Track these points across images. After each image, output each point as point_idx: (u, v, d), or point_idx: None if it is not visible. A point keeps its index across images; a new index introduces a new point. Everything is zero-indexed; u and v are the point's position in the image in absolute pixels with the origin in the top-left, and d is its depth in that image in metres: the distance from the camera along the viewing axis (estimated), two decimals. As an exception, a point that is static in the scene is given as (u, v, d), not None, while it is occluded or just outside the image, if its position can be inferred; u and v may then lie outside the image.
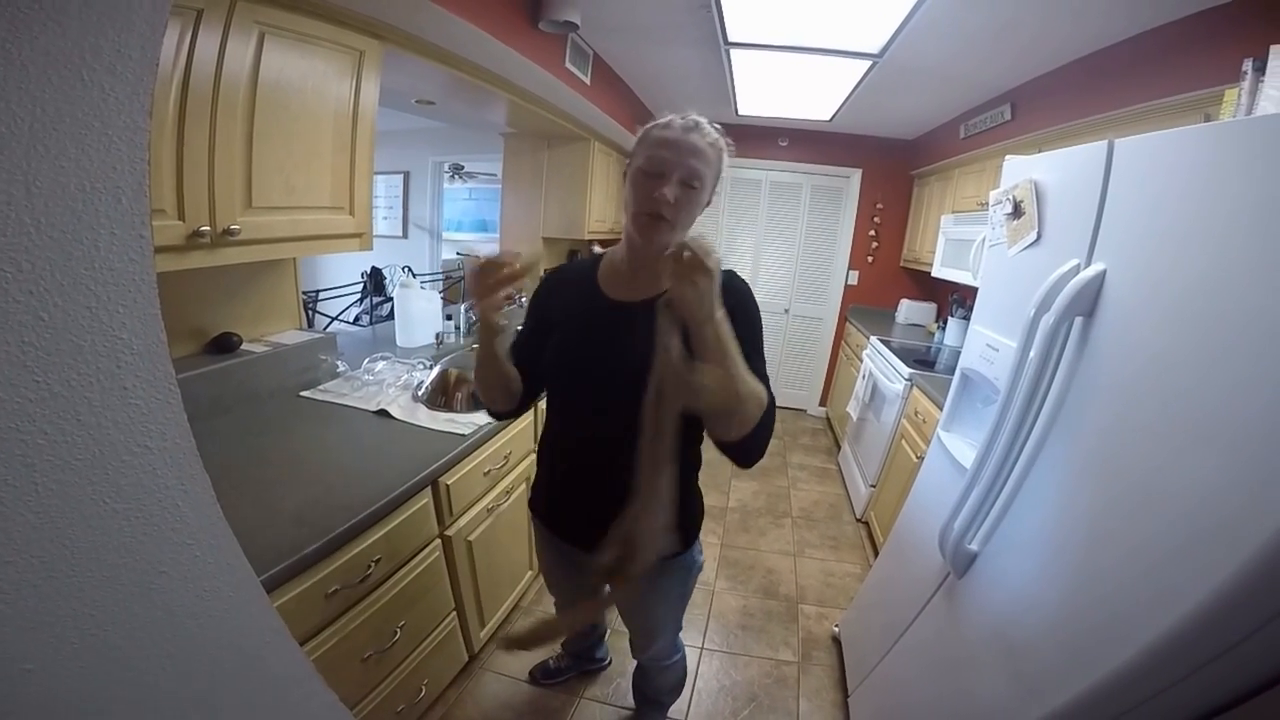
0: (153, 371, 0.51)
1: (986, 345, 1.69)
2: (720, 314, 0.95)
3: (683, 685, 1.86)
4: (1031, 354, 1.27)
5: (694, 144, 1.10)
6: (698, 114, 1.14)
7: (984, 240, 1.81)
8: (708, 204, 1.17)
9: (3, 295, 0.41)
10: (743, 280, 1.19)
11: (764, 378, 1.08)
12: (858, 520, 3.48)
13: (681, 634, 1.71)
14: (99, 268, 0.46)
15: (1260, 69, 1.44)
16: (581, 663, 2.15)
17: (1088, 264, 1.23)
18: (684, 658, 1.78)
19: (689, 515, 1.32)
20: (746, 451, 1.09)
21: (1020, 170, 1.60)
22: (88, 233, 0.45)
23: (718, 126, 1.16)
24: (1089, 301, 1.18)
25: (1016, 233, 1.56)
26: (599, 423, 1.19)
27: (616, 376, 1.14)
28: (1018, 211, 1.56)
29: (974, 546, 1.40)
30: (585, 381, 1.22)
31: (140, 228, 0.48)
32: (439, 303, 2.89)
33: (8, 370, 0.42)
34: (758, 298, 1.20)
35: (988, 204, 1.77)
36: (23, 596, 0.45)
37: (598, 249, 1.44)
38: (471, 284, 1.13)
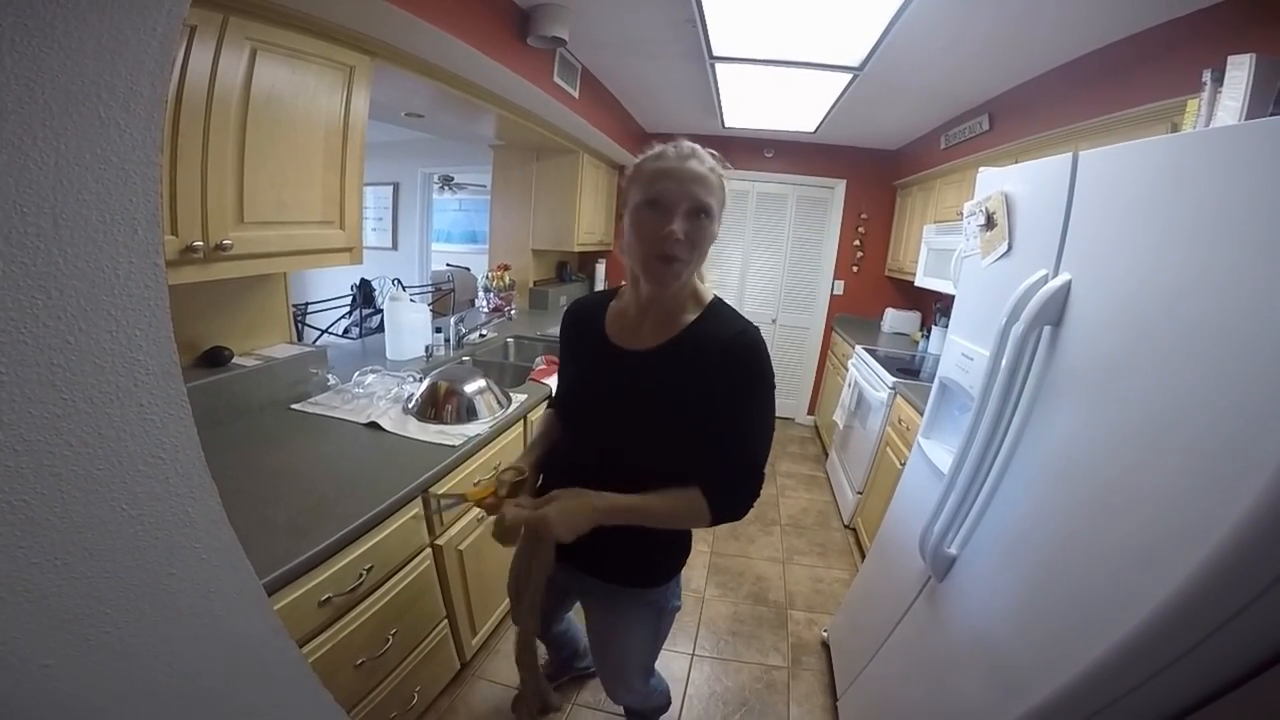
0: (166, 389, 0.55)
1: (962, 354, 1.73)
2: (592, 512, 1.12)
3: (667, 707, 1.81)
4: (1003, 363, 1.30)
5: (695, 171, 1.04)
6: (689, 141, 1.09)
7: (960, 251, 1.86)
8: (716, 229, 1.12)
9: (34, 321, 0.44)
10: (751, 344, 1.13)
11: (731, 452, 1.13)
12: (845, 527, 3.52)
13: (671, 643, 1.71)
14: (118, 294, 0.50)
15: (1219, 80, 1.48)
16: (570, 668, 2.16)
17: (1055, 274, 1.27)
18: (662, 693, 1.74)
19: (660, 552, 1.32)
20: (718, 522, 1.16)
21: (993, 182, 1.65)
22: (108, 262, 0.49)
23: (714, 153, 1.10)
24: (1056, 311, 1.22)
25: (989, 244, 1.61)
26: (594, 458, 1.23)
27: (614, 421, 1.21)
28: (990, 223, 1.61)
29: (953, 550, 1.43)
30: (588, 421, 1.28)
31: (154, 256, 0.52)
32: (428, 315, 2.91)
33: (39, 390, 0.45)
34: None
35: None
36: (46, 597, 0.49)
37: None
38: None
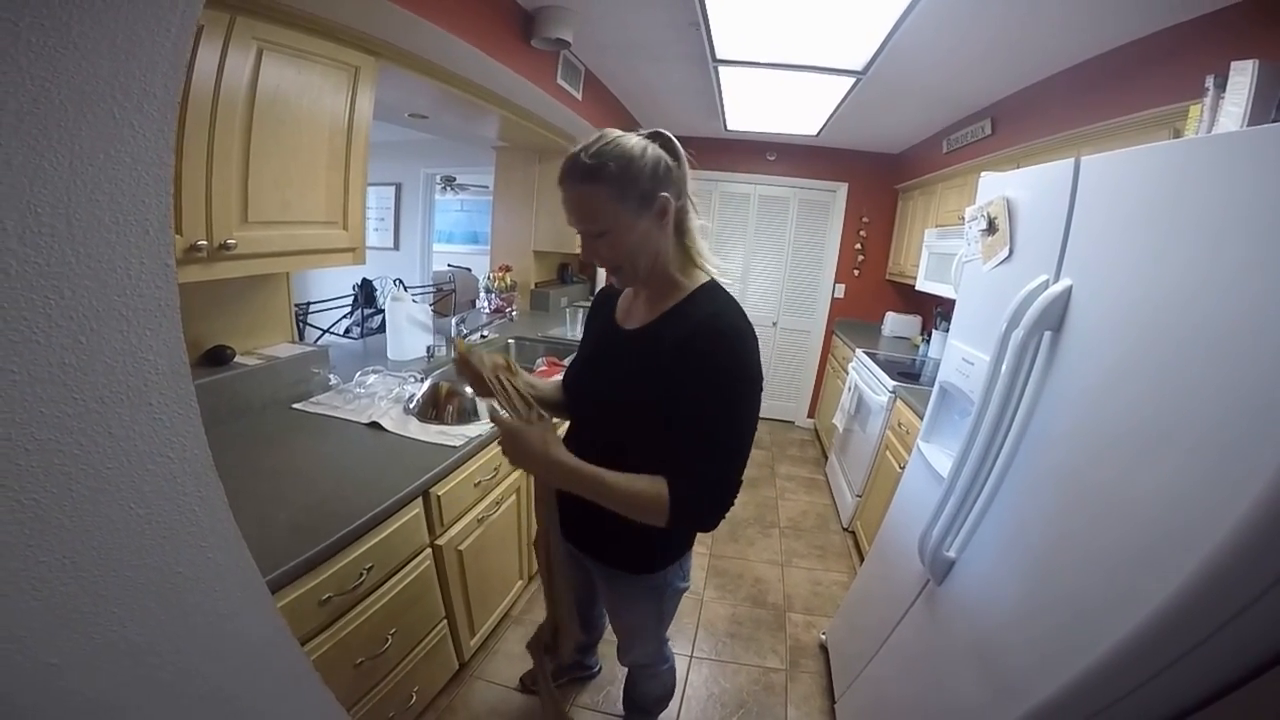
0: (176, 389, 0.55)
1: (962, 359, 1.73)
2: (547, 460, 1.05)
3: (669, 697, 1.83)
4: (1003, 368, 1.30)
5: (576, 195, 1.01)
6: (601, 132, 1.03)
7: (961, 256, 1.86)
8: (661, 209, 1.04)
9: (47, 321, 0.45)
10: (721, 330, 1.03)
11: (695, 452, 1.02)
12: (844, 530, 3.52)
13: (670, 644, 1.72)
14: (129, 294, 0.50)
15: (1221, 86, 1.48)
16: (572, 670, 2.17)
17: (1056, 280, 1.27)
18: (672, 670, 1.77)
19: (656, 542, 1.26)
20: (678, 527, 1.05)
21: (995, 187, 1.65)
22: (120, 262, 0.49)
23: (606, 141, 1.00)
24: (1056, 317, 1.21)
25: (990, 249, 1.61)
26: (585, 436, 1.23)
27: (595, 395, 1.21)
28: (992, 228, 1.61)
29: (951, 553, 1.43)
30: (580, 398, 1.29)
31: (165, 257, 0.52)
32: (430, 316, 2.91)
33: (50, 389, 0.46)
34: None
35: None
36: (53, 594, 0.49)
37: None
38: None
